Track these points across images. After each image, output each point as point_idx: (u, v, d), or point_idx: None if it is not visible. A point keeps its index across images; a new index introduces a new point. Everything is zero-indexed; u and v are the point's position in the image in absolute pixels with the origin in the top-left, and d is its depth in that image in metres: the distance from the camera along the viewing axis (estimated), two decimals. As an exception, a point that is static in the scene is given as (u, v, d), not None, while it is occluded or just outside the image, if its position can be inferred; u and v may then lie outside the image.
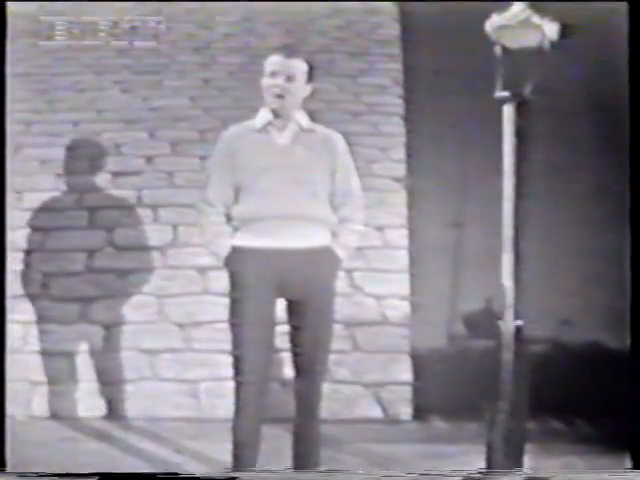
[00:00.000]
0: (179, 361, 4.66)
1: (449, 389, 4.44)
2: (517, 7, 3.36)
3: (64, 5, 4.45)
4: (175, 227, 4.84)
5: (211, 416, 4.54)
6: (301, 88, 3.20)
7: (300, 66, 3.20)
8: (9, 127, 3.75)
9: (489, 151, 3.54)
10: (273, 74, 3.17)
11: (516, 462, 3.34)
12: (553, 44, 3.33)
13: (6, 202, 3.74)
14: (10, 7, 3.81)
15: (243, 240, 3.17)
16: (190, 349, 4.67)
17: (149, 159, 5.03)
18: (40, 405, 4.61)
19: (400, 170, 5.04)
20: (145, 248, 4.79)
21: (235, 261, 3.17)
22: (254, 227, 3.15)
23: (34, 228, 4.79)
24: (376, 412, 4.64)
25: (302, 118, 3.23)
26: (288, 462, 3.29)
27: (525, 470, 3.37)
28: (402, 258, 4.88)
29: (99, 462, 3.78)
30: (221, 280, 4.59)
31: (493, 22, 3.36)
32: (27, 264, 4.73)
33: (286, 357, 3.33)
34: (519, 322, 3.34)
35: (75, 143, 4.99)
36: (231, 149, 3.21)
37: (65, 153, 4.96)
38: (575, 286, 4.64)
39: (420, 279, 4.85)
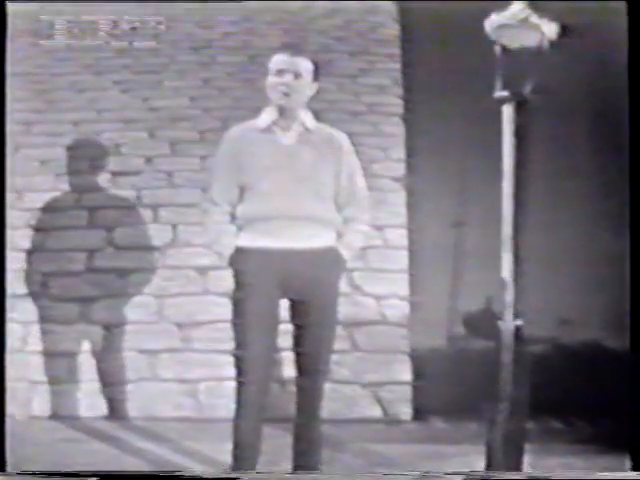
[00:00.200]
0: (179, 361, 4.66)
1: (449, 389, 4.44)
2: (516, 7, 3.35)
3: (64, 5, 4.44)
4: (175, 227, 4.84)
5: (211, 416, 4.54)
6: (307, 86, 3.20)
7: (306, 64, 3.19)
8: (9, 127, 3.75)
9: (489, 151, 3.54)
10: (279, 72, 3.17)
11: (516, 462, 3.34)
12: (552, 44, 3.33)
13: (6, 202, 3.74)
14: (10, 7, 3.81)
15: (247, 240, 3.16)
16: (190, 349, 4.68)
17: (149, 159, 5.03)
18: (40, 405, 4.61)
19: (400, 170, 5.03)
20: (145, 248, 4.79)
21: (239, 261, 3.17)
22: (258, 227, 3.14)
23: (34, 228, 4.79)
24: (376, 412, 4.64)
25: (307, 118, 3.23)
26: (288, 462, 3.29)
27: (525, 470, 3.37)
28: (402, 258, 4.88)
29: (99, 462, 3.78)
30: (221, 280, 4.63)
31: (492, 22, 3.36)
32: (27, 264, 4.73)
33: (286, 357, 3.33)
34: (519, 322, 3.34)
35: (75, 143, 4.99)
36: (235, 149, 3.21)
37: (65, 153, 4.96)
38: (575, 286, 4.64)
39: (420, 279, 4.85)
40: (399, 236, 4.89)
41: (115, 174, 4.93)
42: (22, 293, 4.64)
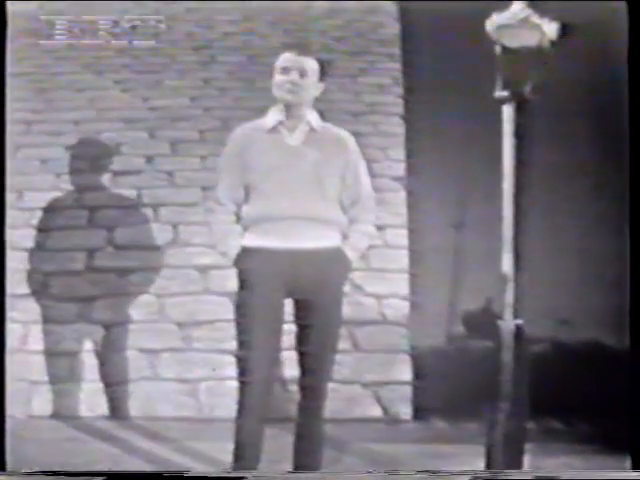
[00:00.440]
0: (179, 360, 4.66)
1: (449, 389, 4.44)
2: (517, 6, 3.36)
3: (64, 4, 4.45)
4: (175, 226, 4.84)
5: (211, 416, 4.54)
6: (313, 85, 3.19)
7: (312, 64, 3.19)
8: (9, 127, 3.75)
9: (489, 151, 3.55)
10: (285, 70, 3.17)
11: (516, 461, 3.34)
12: (553, 43, 3.33)
13: (6, 202, 3.74)
14: (10, 6, 3.81)
15: (252, 240, 3.16)
16: (190, 348, 4.68)
17: (149, 158, 5.03)
18: (40, 404, 4.61)
19: (400, 170, 5.04)
20: (145, 247, 4.79)
21: (244, 260, 3.16)
22: (264, 227, 3.14)
23: (34, 227, 4.79)
24: (376, 412, 4.64)
25: (313, 118, 3.22)
26: (288, 462, 3.29)
27: (525, 469, 3.37)
28: (402, 258, 4.88)
29: (99, 461, 3.78)
30: (222, 279, 4.64)
31: (493, 21, 3.37)
32: (27, 263, 4.73)
33: (286, 357, 3.33)
34: (519, 321, 3.35)
35: (75, 142, 4.99)
36: (241, 149, 3.20)
37: (65, 152, 4.96)
38: (575, 286, 4.64)
39: (420, 279, 4.85)
40: (399, 236, 4.89)
41: (115, 174, 4.93)
42: (22, 293, 4.63)
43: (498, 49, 3.36)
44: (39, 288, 4.72)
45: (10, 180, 3.78)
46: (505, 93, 3.35)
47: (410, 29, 5.27)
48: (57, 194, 4.87)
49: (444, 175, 4.92)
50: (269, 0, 5.22)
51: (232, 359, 3.24)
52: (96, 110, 5.18)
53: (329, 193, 3.17)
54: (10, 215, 3.79)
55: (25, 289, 4.67)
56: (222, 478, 3.44)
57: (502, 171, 3.39)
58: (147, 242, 4.81)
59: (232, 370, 3.23)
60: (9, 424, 3.60)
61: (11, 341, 3.83)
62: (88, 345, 4.67)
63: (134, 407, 4.61)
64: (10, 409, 3.66)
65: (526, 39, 3.34)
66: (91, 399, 4.61)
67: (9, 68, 3.75)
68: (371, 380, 4.64)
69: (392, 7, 5.39)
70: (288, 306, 3.20)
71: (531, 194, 3.44)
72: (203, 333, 4.67)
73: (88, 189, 4.88)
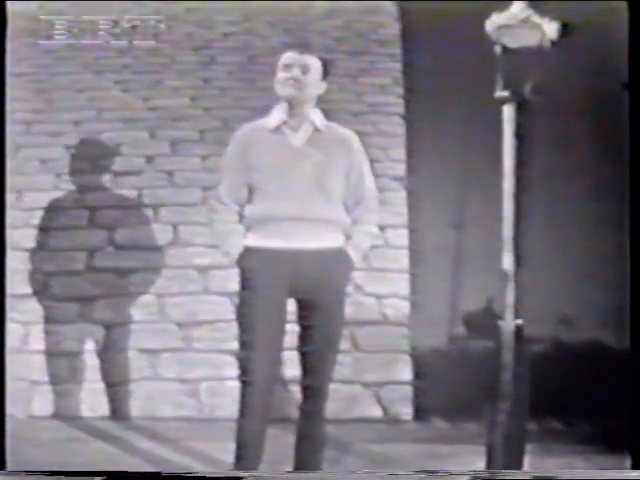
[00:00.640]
0: (180, 361, 4.66)
1: (449, 389, 4.44)
2: (517, 6, 3.36)
3: (64, 4, 4.45)
4: (175, 226, 4.84)
5: (212, 416, 4.54)
6: (315, 83, 3.18)
7: (315, 62, 3.19)
8: (9, 127, 3.75)
9: (489, 151, 3.55)
10: (287, 67, 3.16)
11: (516, 462, 3.34)
12: (553, 43, 3.33)
13: (6, 202, 3.74)
14: (10, 7, 3.81)
15: (255, 240, 3.16)
16: (191, 349, 4.68)
17: (149, 159, 5.03)
18: (40, 405, 4.61)
19: (400, 170, 5.03)
20: (146, 247, 4.79)
21: (247, 260, 3.16)
22: (267, 227, 3.14)
23: (35, 227, 4.79)
24: (376, 412, 4.64)
25: (317, 118, 3.21)
26: (288, 462, 3.29)
27: (526, 469, 3.37)
28: (402, 258, 4.88)
29: (99, 461, 3.78)
30: (222, 280, 4.64)
31: (493, 21, 3.37)
32: (27, 263, 4.73)
33: (287, 356, 3.33)
34: (519, 321, 3.35)
35: (75, 142, 4.99)
36: (244, 149, 3.19)
37: (65, 153, 4.97)
38: (575, 285, 4.64)
39: (420, 279, 4.85)
40: (400, 236, 4.89)
41: (116, 174, 4.93)
42: (22, 293, 4.63)
43: (498, 49, 3.36)
44: (39, 288, 4.72)
45: (10, 180, 3.78)
46: (505, 93, 3.35)
47: (410, 29, 5.27)
48: (57, 194, 4.87)
49: (444, 175, 4.92)
50: (269, 0, 5.22)
51: (232, 359, 3.23)
52: (96, 110, 5.18)
53: (332, 194, 3.17)
54: (10, 215, 3.79)
55: (25, 289, 4.67)
56: (222, 478, 3.44)
57: (502, 171, 3.39)
58: (147, 242, 4.81)
59: (232, 370, 3.22)
60: (9, 424, 3.60)
61: (11, 341, 3.83)
62: (88, 345, 4.67)
63: (134, 407, 4.61)
64: (10, 409, 3.66)
65: (526, 39, 3.34)
66: (91, 399, 4.61)
67: (9, 68, 3.75)
68: (371, 380, 4.64)
69: (392, 7, 5.38)
70: (291, 306, 3.20)
71: (531, 194, 3.44)
72: (203, 333, 4.67)
73: (88, 189, 4.88)
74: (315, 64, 3.19)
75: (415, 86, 5.22)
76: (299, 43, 3.61)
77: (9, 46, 3.75)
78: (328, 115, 3.29)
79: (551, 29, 3.34)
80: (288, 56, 3.18)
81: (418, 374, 4.68)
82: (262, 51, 5.23)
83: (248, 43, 5.38)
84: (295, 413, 3.31)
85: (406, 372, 4.69)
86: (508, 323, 3.35)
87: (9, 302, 3.74)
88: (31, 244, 4.77)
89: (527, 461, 3.36)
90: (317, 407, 3.22)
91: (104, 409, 4.62)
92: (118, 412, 4.60)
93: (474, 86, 4.02)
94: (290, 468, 3.30)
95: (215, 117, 5.12)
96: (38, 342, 4.66)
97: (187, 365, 4.64)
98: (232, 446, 3.17)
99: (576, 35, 3.41)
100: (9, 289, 3.75)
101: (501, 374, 3.32)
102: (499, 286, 3.38)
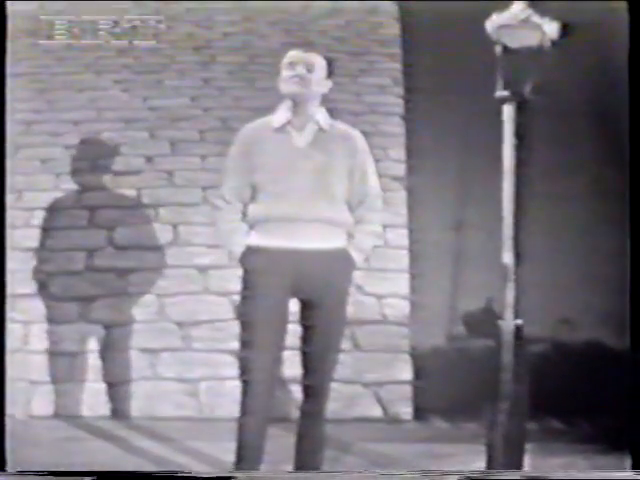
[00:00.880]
0: (179, 360, 4.66)
1: (449, 388, 4.45)
2: (517, 6, 3.36)
3: (64, 4, 4.45)
4: (175, 226, 4.84)
5: (211, 415, 4.54)
6: (320, 81, 3.18)
7: (319, 60, 3.19)
8: (9, 127, 3.75)
9: (489, 151, 3.54)
10: (291, 65, 3.16)
11: (516, 462, 3.34)
12: (553, 43, 3.33)
13: (6, 202, 3.74)
14: (10, 7, 3.81)
15: (258, 239, 3.15)
16: (190, 348, 4.68)
17: (149, 158, 5.03)
18: (40, 404, 4.61)
19: (400, 170, 5.04)
20: (145, 247, 4.79)
21: (249, 259, 3.16)
22: (269, 227, 3.14)
23: (34, 227, 4.79)
24: (376, 411, 4.64)
25: (321, 117, 3.20)
26: (288, 462, 3.29)
27: (526, 469, 3.37)
28: (402, 258, 4.88)
29: (98, 461, 3.78)
30: (221, 280, 4.65)
31: (493, 22, 3.36)
32: (27, 263, 4.73)
33: (287, 356, 3.33)
34: (519, 321, 3.35)
35: (75, 142, 4.99)
36: (248, 148, 3.19)
37: (65, 152, 4.97)
38: (575, 285, 4.64)
39: (420, 279, 4.86)
40: (400, 236, 4.89)
41: (115, 174, 4.93)
42: (22, 293, 4.63)
43: (498, 49, 3.35)
44: (39, 288, 4.72)
45: (10, 180, 3.78)
46: (505, 93, 3.35)
47: (410, 29, 5.27)
48: (57, 194, 4.87)
49: (444, 175, 4.93)
50: (269, 0, 5.22)
51: (232, 359, 3.23)
52: (96, 110, 5.18)
53: (335, 194, 3.16)
54: (10, 215, 3.79)
55: (25, 289, 4.67)
56: (221, 478, 3.44)
57: (502, 171, 3.39)
58: (147, 242, 4.81)
59: (232, 370, 3.22)
60: (9, 424, 3.60)
61: (11, 341, 3.82)
62: (88, 345, 4.67)
63: (134, 407, 4.61)
64: (10, 409, 3.66)
65: (526, 39, 3.34)
66: (91, 399, 4.61)
67: (9, 68, 3.74)
68: (371, 380, 4.64)
69: (392, 7, 5.39)
70: (294, 306, 3.20)
71: (531, 194, 3.44)
72: (203, 333, 4.67)
73: (88, 189, 4.88)
74: (320, 62, 3.18)
75: (415, 86, 5.22)
76: (303, 43, 3.61)
77: (9, 46, 3.75)
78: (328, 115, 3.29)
79: (551, 29, 3.34)
80: (292, 54, 3.18)
81: (418, 374, 4.68)
82: (262, 51, 5.24)
83: (248, 43, 5.39)
84: (295, 413, 3.31)
85: (406, 372, 4.69)
86: (508, 323, 3.35)
87: (9, 302, 3.74)
88: (31, 244, 4.77)
89: (527, 461, 3.36)
90: (318, 407, 3.21)
91: (104, 409, 4.62)
92: (118, 412, 4.60)
93: (474, 86, 4.02)
94: (290, 468, 3.30)
95: (215, 117, 5.12)
96: (38, 342, 4.66)
97: (187, 365, 4.64)
98: (232, 446, 3.17)
99: (576, 35, 3.41)
100: (9, 289, 3.75)
101: (501, 374, 3.32)
102: (499, 286, 3.38)
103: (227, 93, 5.25)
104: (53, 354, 4.65)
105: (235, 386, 3.21)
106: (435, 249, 4.90)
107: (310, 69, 3.15)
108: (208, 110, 5.19)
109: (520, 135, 3.36)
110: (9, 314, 3.75)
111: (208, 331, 4.66)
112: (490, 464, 3.33)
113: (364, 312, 4.68)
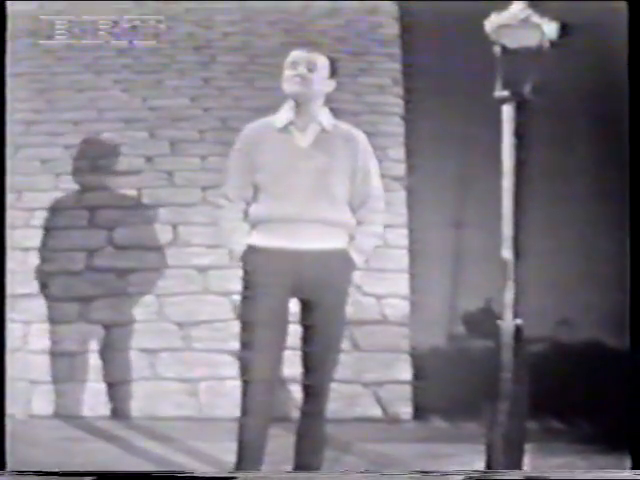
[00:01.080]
0: (179, 360, 4.66)
1: (449, 388, 4.44)
2: (517, 6, 3.36)
3: (64, 4, 4.45)
4: (175, 226, 4.85)
5: (211, 415, 4.54)
6: (322, 81, 3.17)
7: (321, 59, 3.18)
8: (9, 127, 3.75)
9: (489, 151, 3.55)
10: (293, 64, 3.15)
11: (516, 462, 3.34)
12: (553, 43, 3.33)
13: (6, 202, 3.74)
14: (10, 7, 3.81)
15: (259, 239, 3.15)
16: (190, 348, 4.68)
17: (149, 158, 5.03)
18: (40, 404, 4.61)
19: (400, 170, 5.03)
20: (145, 247, 4.80)
21: (250, 259, 3.16)
22: (269, 227, 3.13)
23: (34, 227, 4.79)
24: (376, 411, 4.64)
25: (324, 118, 3.19)
26: (288, 462, 3.29)
27: (526, 469, 3.37)
28: (402, 258, 4.88)
29: (98, 461, 3.78)
30: (221, 280, 4.65)
31: (493, 22, 3.37)
32: (27, 263, 4.73)
33: (287, 356, 3.33)
34: (519, 321, 3.35)
35: (75, 142, 4.99)
36: (251, 148, 3.18)
37: (66, 152, 4.97)
38: (574, 286, 4.64)
39: (420, 279, 4.85)
40: (399, 236, 4.89)
41: (115, 174, 4.93)
42: (22, 293, 4.63)
43: (498, 49, 3.35)
44: (39, 288, 4.72)
45: (10, 180, 3.78)
46: (505, 93, 3.35)
47: (410, 29, 5.27)
48: (57, 194, 4.87)
49: (444, 175, 4.92)
50: (269, 0, 5.22)
51: (232, 359, 3.23)
52: (96, 110, 5.18)
53: (337, 195, 3.16)
54: (10, 215, 3.79)
55: (25, 289, 4.67)
56: (221, 478, 3.44)
57: (502, 171, 3.39)
58: (147, 242, 4.81)
59: (232, 370, 3.22)
60: (9, 424, 3.60)
61: (11, 341, 3.83)
62: (88, 345, 4.67)
63: (134, 407, 4.61)
64: (10, 409, 3.66)
65: (526, 39, 3.34)
66: (91, 399, 4.61)
67: (9, 68, 3.74)
68: (371, 380, 4.65)
69: (392, 7, 5.39)
70: (295, 307, 3.20)
71: (531, 194, 3.44)
72: (203, 333, 4.67)
73: (88, 189, 4.88)
74: (322, 61, 3.18)
75: (415, 86, 5.22)
76: (302, 43, 3.61)
77: (9, 46, 3.75)
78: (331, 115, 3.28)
79: (551, 29, 3.34)
80: (295, 54, 3.18)
81: (417, 374, 4.68)
82: (262, 51, 5.24)
83: (248, 43, 5.38)
84: (295, 413, 3.31)
85: (405, 372, 4.69)
86: (507, 323, 3.35)
87: (9, 302, 3.74)
88: (31, 244, 4.77)
89: (527, 461, 3.36)
90: (318, 407, 3.21)
91: (104, 409, 4.62)
92: (118, 412, 4.60)
93: (474, 86, 4.02)
94: (290, 468, 3.30)
95: (215, 117, 5.12)
96: (38, 342, 4.66)
97: (186, 365, 4.64)
98: (231, 445, 3.16)
99: (576, 35, 3.41)
100: (9, 289, 3.75)
101: (501, 374, 3.32)
102: (499, 286, 3.38)
103: (227, 93, 5.25)
104: (53, 354, 4.65)
105: (235, 386, 3.21)
106: (435, 249, 4.90)
107: (311, 68, 3.15)
108: (208, 110, 5.19)
109: (520, 135, 3.36)
110: (9, 314, 3.76)
111: (208, 331, 4.66)
112: (490, 464, 3.33)
113: (364, 312, 4.68)
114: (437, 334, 4.87)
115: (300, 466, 3.26)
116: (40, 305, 4.70)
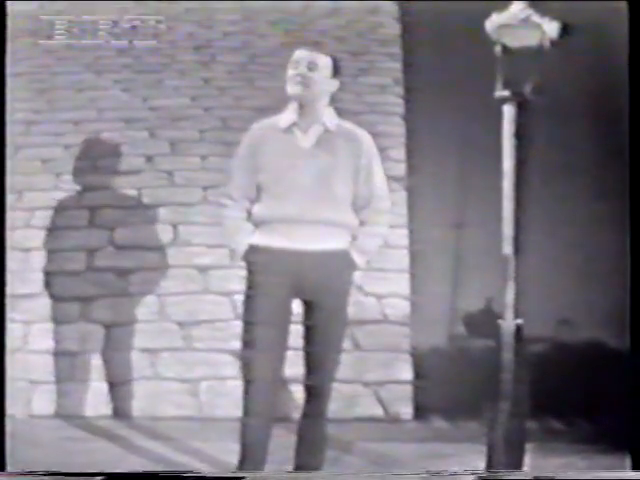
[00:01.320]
0: (180, 360, 4.66)
1: (449, 388, 4.44)
2: (517, 6, 3.36)
3: (64, 4, 4.45)
4: (175, 226, 4.85)
5: (212, 415, 4.54)
6: (324, 80, 3.17)
7: (324, 59, 3.18)
8: (9, 127, 3.75)
9: (489, 151, 3.55)
10: (295, 64, 3.16)
11: (517, 462, 3.34)
12: (553, 43, 3.33)
13: (6, 202, 3.74)
14: (10, 7, 3.81)
15: (261, 239, 3.16)
16: (191, 348, 4.68)
17: (149, 158, 5.03)
18: (40, 404, 4.61)
19: (400, 170, 5.03)
20: (146, 247, 4.80)
21: (252, 258, 3.17)
22: (273, 227, 3.14)
23: (34, 227, 4.79)
24: (376, 411, 4.64)
25: (328, 118, 3.19)
26: (289, 462, 3.29)
27: (526, 469, 3.37)
28: (402, 258, 4.88)
29: (99, 461, 3.78)
30: (222, 279, 4.65)
31: (493, 21, 3.37)
32: (27, 263, 4.73)
33: (287, 356, 3.33)
34: (519, 321, 3.35)
35: (76, 142, 4.99)
36: (255, 148, 3.19)
37: (66, 152, 4.97)
38: (575, 285, 4.64)
39: (420, 278, 4.85)
40: (399, 236, 4.89)
41: (116, 174, 4.93)
42: (22, 293, 4.63)
43: (498, 49, 3.36)
44: (39, 288, 4.72)
45: (10, 180, 3.78)
46: (505, 93, 3.35)
47: (410, 29, 5.27)
48: (57, 194, 4.87)
49: (444, 175, 4.92)
50: (269, 0, 5.22)
51: (232, 358, 3.23)
52: (96, 110, 5.18)
53: (339, 195, 3.16)
54: (10, 215, 3.79)
55: (25, 289, 4.67)
56: (222, 478, 3.44)
57: (502, 171, 3.39)
58: (147, 242, 4.81)
59: (232, 369, 3.23)
60: (9, 424, 3.60)
61: (11, 341, 3.83)
62: (88, 345, 4.67)
63: (135, 407, 4.61)
64: (10, 409, 3.66)
65: (526, 39, 3.34)
66: (92, 399, 4.61)
67: (9, 68, 3.75)
68: (372, 379, 4.65)
69: (392, 7, 5.38)
70: (297, 307, 3.20)
71: (531, 193, 3.44)
72: (203, 333, 4.67)
73: (88, 189, 4.88)
74: (324, 61, 3.18)
75: (415, 86, 5.21)
76: (302, 43, 3.60)
77: (9, 46, 3.75)
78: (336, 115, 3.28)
79: (551, 29, 3.34)
80: (297, 54, 3.18)
81: (418, 373, 4.68)
82: (262, 51, 5.24)
83: (248, 43, 5.38)
84: (296, 413, 3.31)
85: (406, 371, 4.69)
86: (508, 323, 3.35)
87: (9, 302, 3.74)
88: (31, 244, 4.77)
89: (527, 461, 3.36)
90: (319, 407, 3.22)
91: (105, 409, 4.62)
92: (119, 411, 4.60)
93: (474, 86, 4.02)
94: (290, 468, 3.29)
95: (215, 117, 5.12)
96: (38, 342, 4.66)
97: (187, 365, 4.64)
98: (232, 445, 3.17)
99: (576, 35, 3.41)
100: (9, 289, 3.75)
101: (501, 374, 3.32)
102: (499, 286, 3.38)
103: (227, 93, 5.25)
104: (54, 354, 4.65)
105: (236, 386, 3.22)
106: (435, 249, 4.90)
107: (312, 68, 3.15)
108: (208, 110, 5.19)
109: (520, 135, 3.36)
110: (9, 314, 3.76)
111: (209, 331, 4.66)
112: (491, 464, 3.33)
113: (364, 312, 4.68)
114: (438, 334, 4.87)
115: (301, 466, 3.26)
116: (40, 305, 4.70)
